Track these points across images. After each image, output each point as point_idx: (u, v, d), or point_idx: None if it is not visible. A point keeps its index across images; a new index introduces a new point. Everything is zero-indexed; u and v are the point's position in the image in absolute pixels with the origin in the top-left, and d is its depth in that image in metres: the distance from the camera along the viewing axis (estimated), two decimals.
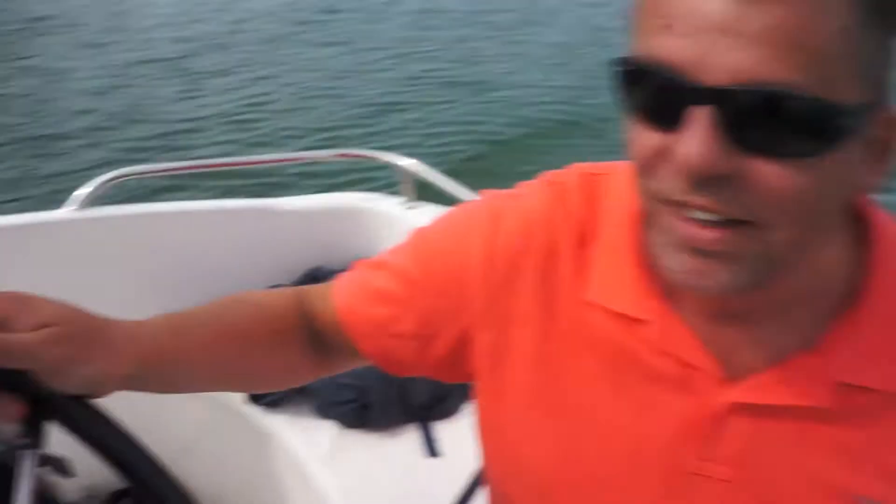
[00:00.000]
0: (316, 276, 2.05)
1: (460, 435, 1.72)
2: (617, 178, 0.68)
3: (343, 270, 0.80)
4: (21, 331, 0.58)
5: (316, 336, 0.77)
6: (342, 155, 2.19)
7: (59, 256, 1.81)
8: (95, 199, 1.81)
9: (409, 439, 1.77)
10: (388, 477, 1.67)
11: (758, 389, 0.60)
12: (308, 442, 1.74)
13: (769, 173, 0.49)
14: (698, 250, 0.52)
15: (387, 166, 2.10)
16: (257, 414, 1.83)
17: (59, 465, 0.83)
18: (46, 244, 1.81)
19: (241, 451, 1.92)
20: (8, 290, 0.60)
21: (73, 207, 1.79)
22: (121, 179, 1.86)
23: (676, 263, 0.54)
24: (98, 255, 1.86)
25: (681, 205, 0.52)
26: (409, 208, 2.08)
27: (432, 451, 1.76)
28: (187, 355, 0.70)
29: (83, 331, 0.62)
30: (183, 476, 0.63)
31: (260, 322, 0.75)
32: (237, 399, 1.87)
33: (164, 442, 2.07)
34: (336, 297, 0.76)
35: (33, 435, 0.59)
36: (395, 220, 2.05)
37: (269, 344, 0.75)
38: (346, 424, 1.79)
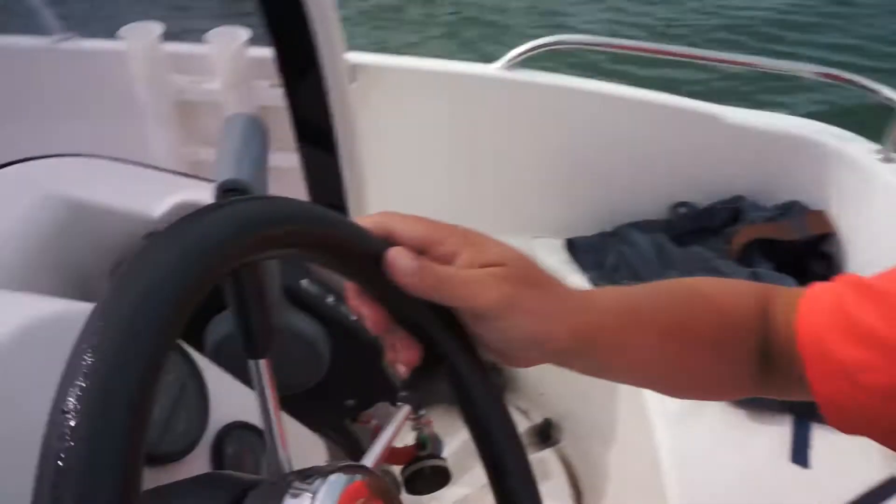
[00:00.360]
0: (737, 206, 1.75)
1: (839, 449, 1.38)
2: None
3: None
4: (464, 268, 0.51)
5: (766, 351, 0.64)
6: (825, 75, 1.77)
7: (480, 110, 1.80)
8: (526, 62, 1.73)
9: (776, 433, 1.46)
10: (731, 463, 1.41)
11: None
12: (674, 419, 1.52)
13: None
14: None
15: (874, 100, 1.64)
16: None
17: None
18: (471, 96, 1.79)
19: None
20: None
21: (501, 65, 1.73)
22: (559, 46, 1.74)
23: None
24: (514, 117, 1.80)
25: None
26: (887, 160, 1.61)
27: (801, 458, 1.45)
28: (631, 343, 0.59)
29: (532, 279, 0.53)
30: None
31: (719, 328, 0.63)
32: None
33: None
34: (803, 317, 0.61)
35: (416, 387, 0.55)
36: (864, 172, 1.62)
37: (720, 353, 0.63)
38: None
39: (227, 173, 0.74)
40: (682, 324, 0.62)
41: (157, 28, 1.67)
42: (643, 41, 1.85)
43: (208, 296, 0.36)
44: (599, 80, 1.81)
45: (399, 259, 0.49)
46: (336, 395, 1.08)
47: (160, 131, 1.79)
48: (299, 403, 0.88)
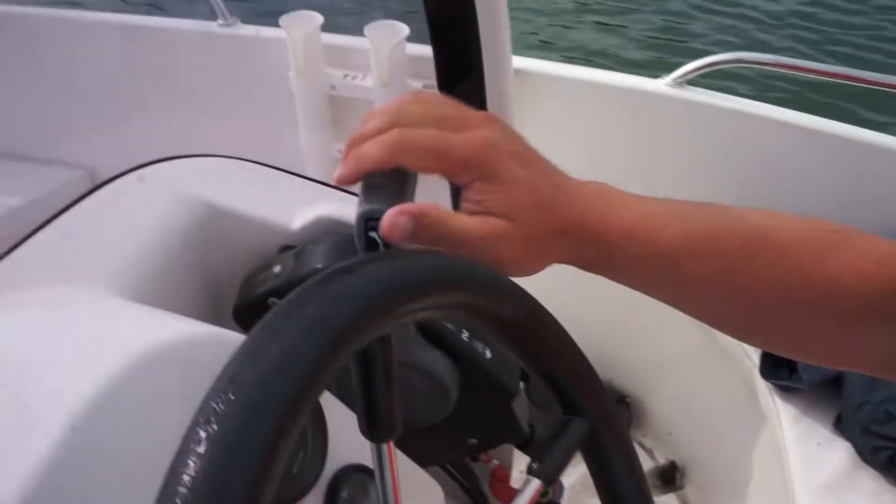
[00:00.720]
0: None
1: None
2: None
3: None
4: (468, 216, 0.49)
5: None
6: None
7: (643, 126, 1.67)
8: (695, 79, 1.59)
9: None
10: None
11: None
12: (809, 457, 1.37)
13: None
14: None
15: None
16: (762, 386, 1.51)
17: None
18: (635, 111, 1.67)
19: (725, 411, 1.69)
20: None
21: (670, 81, 1.60)
22: (736, 65, 1.59)
23: None
24: (679, 137, 1.67)
25: None
26: None
27: None
28: (699, 275, 0.52)
29: (544, 222, 0.50)
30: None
31: (830, 299, 0.53)
32: (746, 358, 1.57)
33: (637, 364, 1.97)
34: None
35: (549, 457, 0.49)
36: None
37: (822, 318, 0.54)
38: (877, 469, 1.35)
39: (372, 200, 0.69)
40: (778, 285, 0.52)
41: (317, 18, 1.65)
42: (836, 65, 1.66)
43: None
44: (775, 103, 1.65)
45: (396, 223, 0.44)
46: (460, 432, 1.01)
47: (310, 123, 1.77)
48: (421, 437, 0.83)
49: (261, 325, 0.33)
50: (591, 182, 0.53)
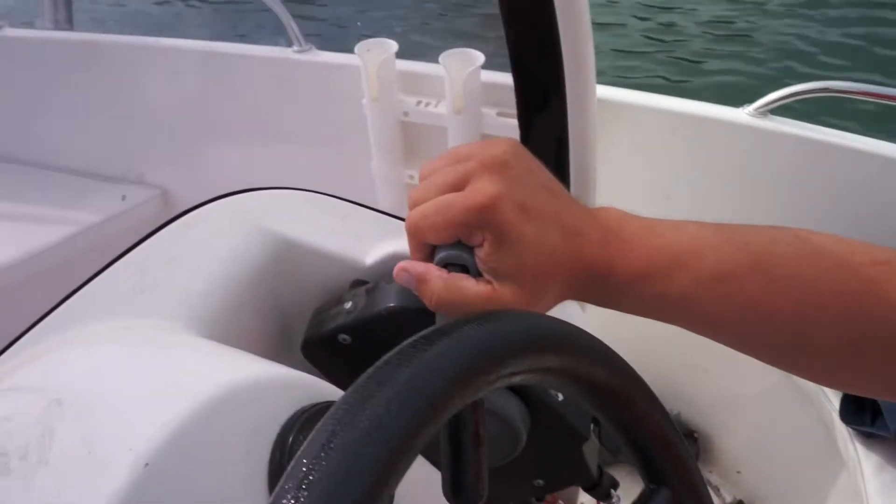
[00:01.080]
0: None
1: None
2: None
3: None
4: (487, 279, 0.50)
5: None
6: None
7: (724, 157, 1.62)
8: (777, 108, 1.54)
9: None
10: None
11: None
12: None
13: None
14: None
15: None
16: (842, 431, 1.43)
17: None
18: (716, 141, 1.62)
19: (799, 453, 1.62)
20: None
21: (751, 111, 1.55)
22: (822, 94, 1.53)
23: None
24: (761, 169, 1.61)
25: None
26: None
27: None
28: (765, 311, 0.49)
29: (562, 267, 0.50)
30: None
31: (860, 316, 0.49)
32: (825, 399, 1.49)
33: (707, 397, 1.89)
34: None
35: None
36: None
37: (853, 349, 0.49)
38: None
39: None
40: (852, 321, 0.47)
41: (392, 46, 1.66)
42: None
43: None
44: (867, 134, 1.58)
45: (400, 277, 0.49)
46: (527, 473, 0.98)
47: (382, 150, 1.77)
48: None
49: (355, 388, 0.33)
50: (602, 212, 0.52)
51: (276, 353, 0.90)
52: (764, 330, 0.49)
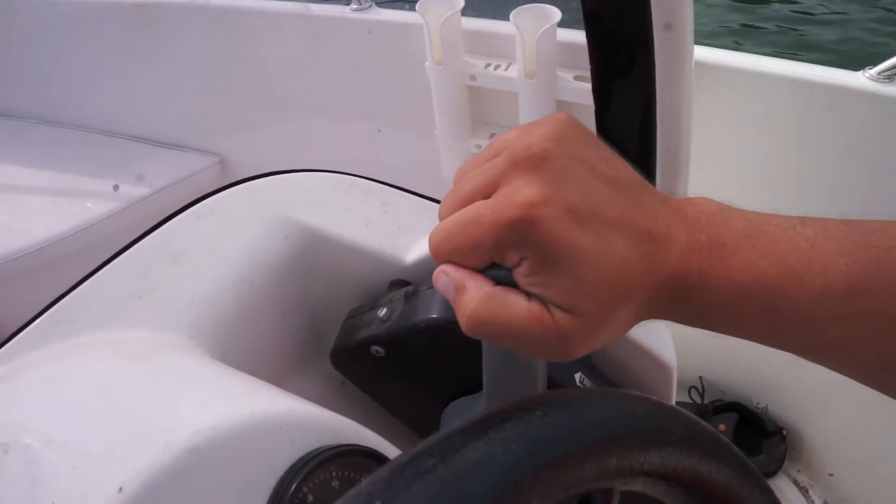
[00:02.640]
0: None
1: None
2: None
3: None
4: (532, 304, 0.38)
5: None
6: None
7: (837, 125, 1.41)
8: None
9: None
10: None
11: None
12: None
13: None
14: None
15: None
16: None
17: None
18: (828, 107, 1.41)
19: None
20: None
21: (871, 75, 1.33)
22: None
23: None
24: (880, 139, 1.39)
25: None
26: None
27: None
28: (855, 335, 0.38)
29: (618, 285, 0.37)
30: None
31: None
32: None
33: (798, 390, 1.71)
34: None
35: None
36: None
37: None
38: None
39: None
40: None
41: (458, 2, 1.50)
42: None
43: None
44: None
45: (438, 279, 0.38)
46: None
47: (446, 117, 1.63)
48: None
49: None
50: (691, 206, 0.39)
51: (306, 353, 0.79)
52: None
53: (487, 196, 0.36)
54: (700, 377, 1.83)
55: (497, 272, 0.37)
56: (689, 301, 0.38)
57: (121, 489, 0.44)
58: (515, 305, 0.36)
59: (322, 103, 1.85)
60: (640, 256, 0.36)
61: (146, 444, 0.47)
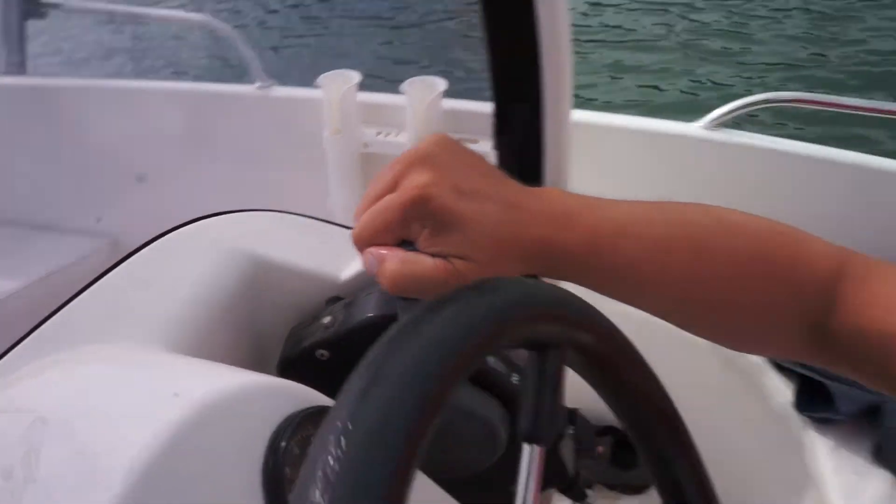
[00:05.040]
0: None
1: None
2: None
3: None
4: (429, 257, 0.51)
5: (824, 327, 0.53)
6: None
7: (682, 171, 1.66)
8: (729, 121, 1.59)
9: None
10: None
11: None
12: (847, 487, 1.32)
13: None
14: None
15: None
16: (795, 419, 1.47)
17: None
18: (674, 156, 1.66)
19: (753, 447, 1.63)
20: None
21: (704, 124, 1.60)
22: (769, 105, 1.59)
23: None
24: (718, 180, 1.64)
25: None
26: None
27: None
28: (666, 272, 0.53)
29: (505, 250, 0.51)
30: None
31: (770, 280, 0.54)
32: (777, 389, 1.53)
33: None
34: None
35: None
36: None
37: (761, 309, 0.54)
38: None
39: None
40: (735, 267, 0.53)
41: (354, 77, 1.67)
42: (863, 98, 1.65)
43: None
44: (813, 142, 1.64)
45: (365, 259, 0.50)
46: (506, 477, 0.98)
47: (340, 181, 1.78)
48: (464, 485, 0.81)
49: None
50: (542, 189, 0.53)
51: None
52: (695, 295, 0.52)
53: (392, 192, 0.48)
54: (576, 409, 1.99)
55: (405, 245, 0.50)
56: (554, 257, 0.50)
57: (153, 436, 0.53)
58: (424, 262, 0.48)
59: (224, 175, 1.93)
60: (509, 219, 0.49)
61: (164, 407, 0.57)
